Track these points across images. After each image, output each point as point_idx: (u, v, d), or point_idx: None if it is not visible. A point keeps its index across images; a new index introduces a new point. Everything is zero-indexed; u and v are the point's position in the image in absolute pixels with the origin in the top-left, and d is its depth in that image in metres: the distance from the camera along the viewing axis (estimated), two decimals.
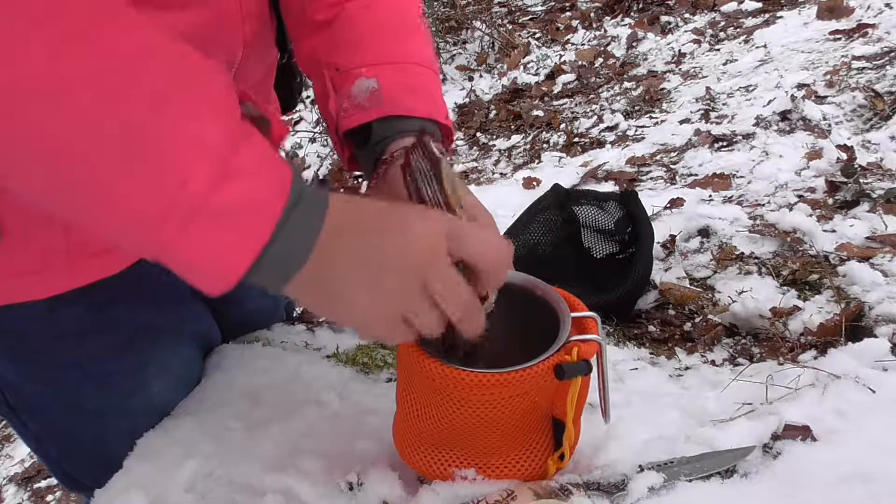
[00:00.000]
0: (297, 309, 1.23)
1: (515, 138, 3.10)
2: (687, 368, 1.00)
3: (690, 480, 0.70)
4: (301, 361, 0.97)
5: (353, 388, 0.91)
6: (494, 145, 3.16)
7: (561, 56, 3.59)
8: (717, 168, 1.78)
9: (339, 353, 0.99)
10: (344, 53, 0.77)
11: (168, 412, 0.91)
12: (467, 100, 3.64)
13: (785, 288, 1.15)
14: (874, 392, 0.81)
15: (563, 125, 2.90)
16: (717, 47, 2.93)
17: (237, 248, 0.49)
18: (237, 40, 0.72)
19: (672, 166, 1.93)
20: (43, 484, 2.45)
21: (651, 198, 1.54)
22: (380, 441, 0.79)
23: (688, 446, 0.75)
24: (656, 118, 2.48)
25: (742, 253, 1.27)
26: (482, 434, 0.66)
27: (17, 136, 0.45)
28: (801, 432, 0.75)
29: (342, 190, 2.97)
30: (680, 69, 2.86)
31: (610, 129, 2.63)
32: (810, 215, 1.35)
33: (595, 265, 1.28)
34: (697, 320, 1.13)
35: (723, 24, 3.13)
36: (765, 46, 2.62)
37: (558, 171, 2.25)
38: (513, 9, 4.50)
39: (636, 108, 2.69)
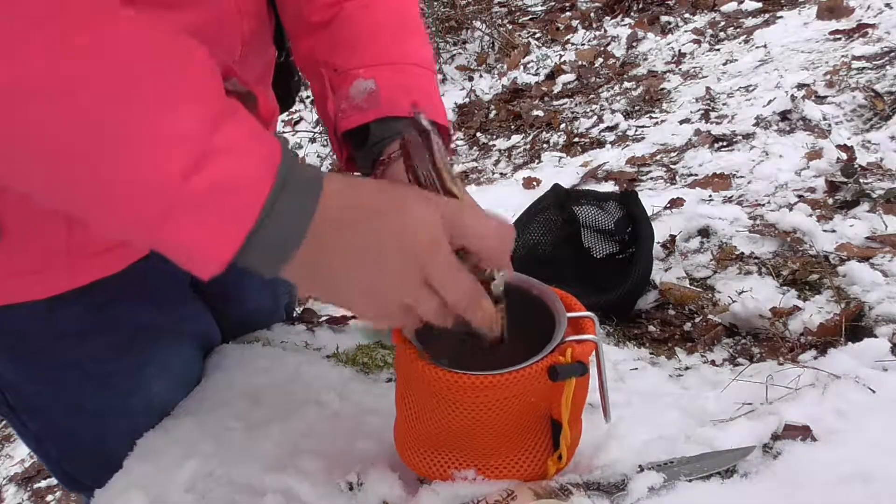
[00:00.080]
0: (297, 309, 1.23)
1: (515, 138, 3.10)
2: (687, 368, 1.00)
3: (690, 480, 0.70)
4: (301, 361, 0.97)
5: (353, 388, 0.91)
6: (494, 145, 3.16)
7: (561, 56, 3.59)
8: (717, 168, 1.78)
9: (339, 353, 0.99)
10: (342, 54, 0.77)
11: (168, 412, 0.91)
12: (467, 100, 3.64)
13: (785, 288, 1.15)
14: (874, 392, 0.81)
15: (563, 125, 2.90)
16: (717, 47, 2.93)
17: (222, 230, 0.49)
18: (236, 39, 0.72)
19: (672, 166, 1.93)
20: (43, 484, 2.45)
21: (651, 198, 1.54)
22: (380, 441, 0.79)
23: (688, 446, 0.75)
24: (656, 118, 2.48)
25: (742, 253, 1.27)
26: (479, 435, 0.66)
27: (17, 136, 0.45)
28: (801, 432, 0.75)
29: None
30: (680, 69, 2.86)
31: (610, 129, 2.63)
32: (810, 215, 1.35)
33: (595, 265, 1.28)
34: (697, 320, 1.13)
35: (723, 24, 3.13)
36: (765, 46, 2.62)
37: (558, 171, 2.25)
38: (513, 9, 4.50)
39: (636, 108, 2.69)
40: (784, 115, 1.96)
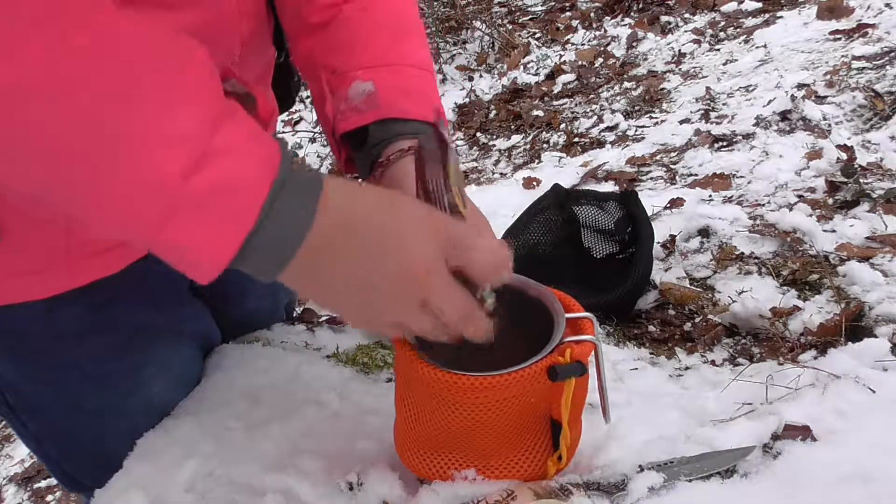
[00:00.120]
0: (297, 309, 1.23)
1: (515, 138, 3.10)
2: (687, 368, 1.00)
3: (690, 480, 0.70)
4: (301, 361, 0.97)
5: (353, 388, 0.91)
6: (494, 145, 3.16)
7: (561, 56, 3.59)
8: (717, 168, 1.78)
9: (339, 353, 0.99)
10: (340, 56, 0.77)
11: (168, 412, 0.91)
12: (467, 100, 3.64)
13: (785, 288, 1.15)
14: (874, 392, 0.81)
15: (563, 125, 2.90)
16: (717, 47, 2.93)
17: (221, 231, 0.49)
18: (235, 39, 0.72)
19: (672, 166, 1.93)
20: (43, 484, 2.45)
21: (651, 198, 1.54)
22: (380, 441, 0.79)
23: (688, 446, 0.75)
24: (656, 118, 2.48)
25: (742, 253, 1.27)
26: (479, 436, 0.66)
27: (17, 136, 0.45)
28: (801, 432, 0.75)
29: None
30: (680, 69, 2.86)
31: (610, 129, 2.63)
32: (810, 215, 1.35)
33: (595, 265, 1.28)
34: (697, 320, 1.13)
35: (723, 24, 3.13)
36: (765, 46, 2.62)
37: (558, 171, 2.25)
38: (513, 9, 4.50)
39: (636, 108, 2.69)
40: (784, 115, 1.96)
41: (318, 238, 0.52)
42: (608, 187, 1.92)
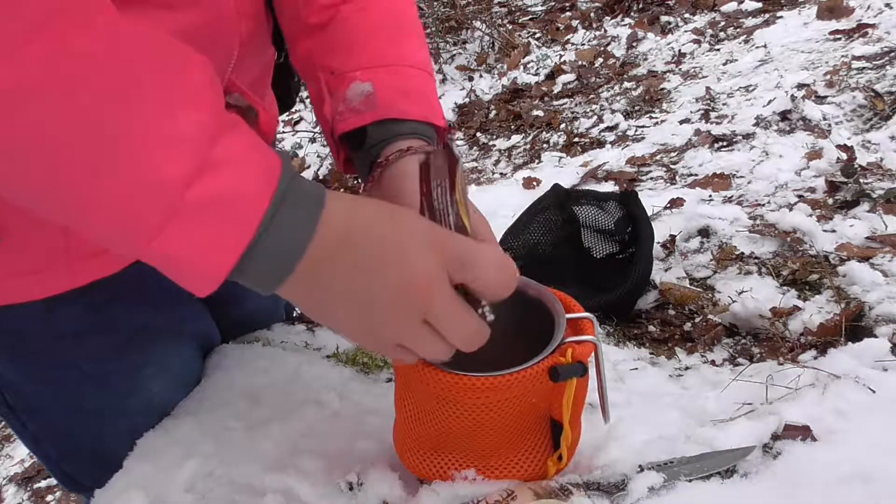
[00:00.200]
0: (296, 309, 1.23)
1: (515, 138, 3.10)
2: (687, 368, 1.00)
3: (690, 480, 0.70)
4: (301, 361, 0.97)
5: (353, 388, 0.91)
6: (494, 145, 3.16)
7: (561, 56, 3.59)
8: (717, 168, 1.78)
9: (339, 353, 0.99)
10: (339, 56, 0.77)
11: (168, 412, 0.91)
12: (467, 100, 3.64)
13: (785, 288, 1.15)
14: (874, 392, 0.81)
15: (563, 125, 2.90)
16: (717, 47, 2.93)
17: (221, 241, 0.48)
18: (234, 40, 0.72)
19: (672, 166, 1.93)
20: (43, 484, 2.46)
21: (651, 198, 1.54)
22: (380, 441, 0.79)
23: (688, 446, 0.75)
24: (656, 118, 2.48)
25: (742, 253, 1.27)
26: (480, 436, 0.66)
27: (17, 136, 0.45)
28: (801, 432, 0.75)
29: (342, 190, 2.97)
30: (680, 69, 2.86)
31: (610, 129, 2.63)
32: (810, 215, 1.35)
33: (595, 265, 1.28)
34: (697, 320, 1.13)
35: (723, 24, 3.13)
36: (765, 46, 2.62)
37: (558, 171, 2.25)
38: (513, 9, 4.50)
39: (636, 108, 2.69)
40: (784, 115, 1.96)
41: (319, 251, 0.51)
42: (608, 187, 1.92)
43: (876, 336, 0.97)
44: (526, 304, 0.70)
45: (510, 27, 4.20)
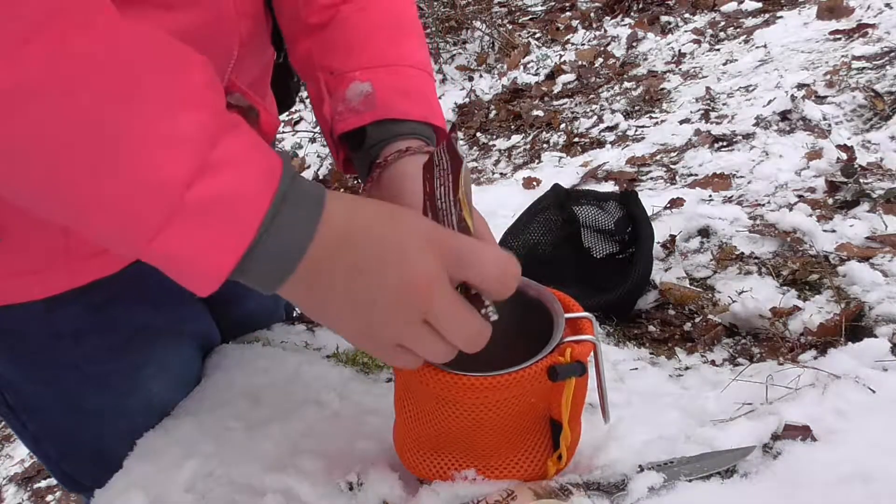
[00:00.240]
0: (297, 309, 1.23)
1: (515, 138, 3.10)
2: (687, 368, 1.00)
3: (690, 480, 0.70)
4: (301, 361, 0.97)
5: (353, 388, 0.91)
6: (494, 145, 3.16)
7: (561, 56, 3.59)
8: (717, 168, 1.78)
9: (339, 353, 0.99)
10: (338, 57, 0.77)
11: (168, 412, 0.91)
12: (467, 100, 3.64)
13: (785, 288, 1.15)
14: (874, 392, 0.81)
15: (563, 125, 2.90)
16: (717, 47, 2.93)
17: (222, 240, 0.48)
18: (233, 40, 0.72)
19: (672, 166, 1.93)
20: (43, 484, 2.46)
21: (651, 198, 1.54)
22: (380, 441, 0.79)
23: (688, 446, 0.75)
24: (656, 118, 2.48)
25: (742, 253, 1.27)
26: (479, 436, 0.66)
27: (17, 136, 0.45)
28: (801, 432, 0.75)
29: (342, 190, 2.97)
30: (680, 69, 2.86)
31: (610, 129, 2.63)
32: (810, 215, 1.35)
33: (595, 265, 1.28)
34: (697, 320, 1.13)
35: (723, 24, 3.13)
36: (765, 46, 2.62)
37: (558, 171, 2.25)
38: (513, 9, 4.50)
39: (636, 108, 2.69)
40: (784, 115, 1.96)
41: (319, 251, 0.51)
42: (608, 187, 1.92)
43: (876, 336, 0.97)
44: (526, 304, 0.70)
45: (510, 27, 4.20)
